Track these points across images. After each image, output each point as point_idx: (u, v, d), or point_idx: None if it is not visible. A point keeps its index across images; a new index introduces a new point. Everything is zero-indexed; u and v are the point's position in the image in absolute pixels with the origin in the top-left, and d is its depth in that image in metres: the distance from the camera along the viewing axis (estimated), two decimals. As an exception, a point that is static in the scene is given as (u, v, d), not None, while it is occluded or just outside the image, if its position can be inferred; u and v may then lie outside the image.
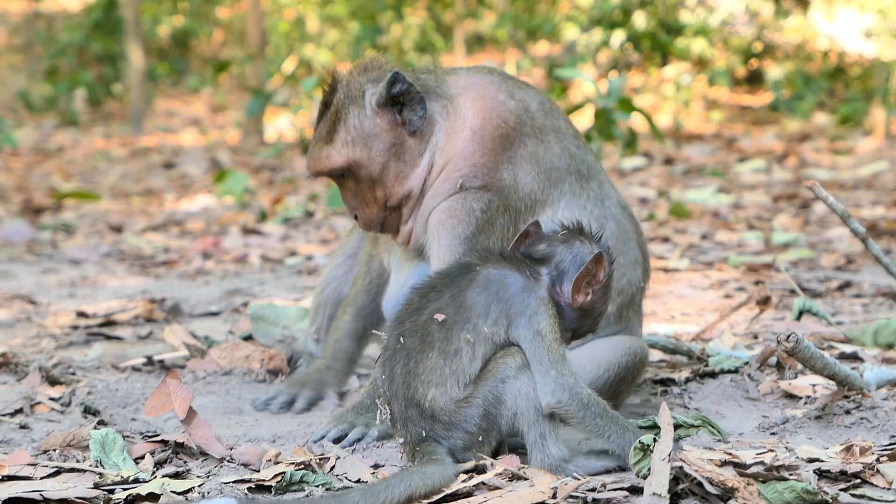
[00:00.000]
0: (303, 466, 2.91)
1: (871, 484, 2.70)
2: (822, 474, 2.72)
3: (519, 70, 15.82)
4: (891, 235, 6.95)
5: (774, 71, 14.91)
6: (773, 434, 3.16)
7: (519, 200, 3.31)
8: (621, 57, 15.25)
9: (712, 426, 3.09)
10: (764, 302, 4.30)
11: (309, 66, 17.64)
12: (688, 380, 3.66)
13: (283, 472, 2.82)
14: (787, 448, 2.92)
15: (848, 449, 2.84)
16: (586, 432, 2.85)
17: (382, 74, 3.34)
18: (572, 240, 2.96)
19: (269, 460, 2.97)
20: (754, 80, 15.40)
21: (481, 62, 17.10)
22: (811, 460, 2.81)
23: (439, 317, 2.84)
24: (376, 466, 2.96)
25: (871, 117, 12.61)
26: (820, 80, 14.49)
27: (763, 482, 2.61)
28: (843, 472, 2.72)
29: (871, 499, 2.61)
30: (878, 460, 2.80)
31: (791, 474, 2.67)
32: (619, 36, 15.00)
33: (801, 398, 3.47)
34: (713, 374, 3.70)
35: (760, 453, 2.83)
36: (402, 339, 2.88)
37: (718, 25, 15.23)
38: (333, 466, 2.95)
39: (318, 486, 2.79)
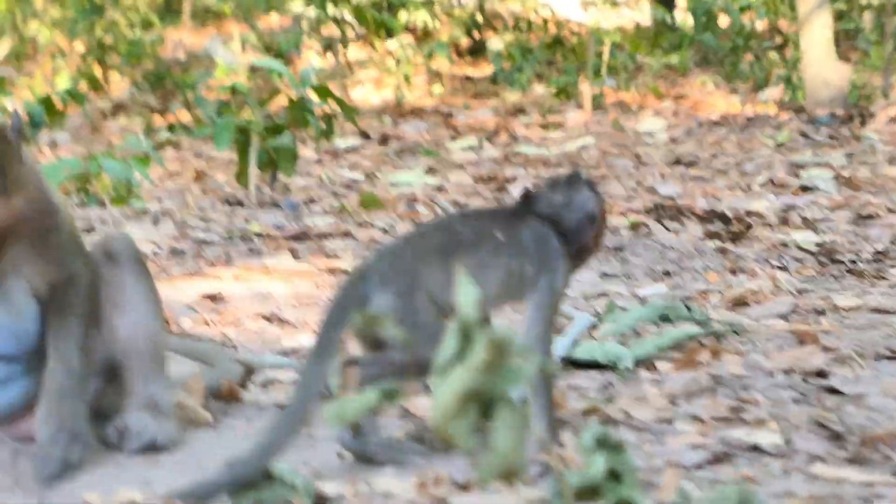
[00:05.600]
0: None
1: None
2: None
3: (245, 44, 15.70)
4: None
5: (495, 42, 15.10)
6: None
7: None
8: (347, 29, 15.24)
9: None
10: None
11: (34, 44, 17.21)
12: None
13: None
14: (367, 483, 2.98)
15: (423, 484, 2.91)
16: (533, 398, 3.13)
17: None
18: (567, 192, 3.34)
19: None
20: (478, 51, 15.56)
21: (209, 36, 16.93)
22: (385, 495, 2.87)
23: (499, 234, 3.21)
24: None
25: (581, 89, 12.86)
26: (538, 52, 14.72)
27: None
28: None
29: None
30: (450, 492, 2.88)
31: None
32: (343, 8, 14.99)
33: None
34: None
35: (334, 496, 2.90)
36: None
37: (442, -4, 15.35)
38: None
39: None
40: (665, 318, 4.33)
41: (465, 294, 1.82)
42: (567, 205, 3.33)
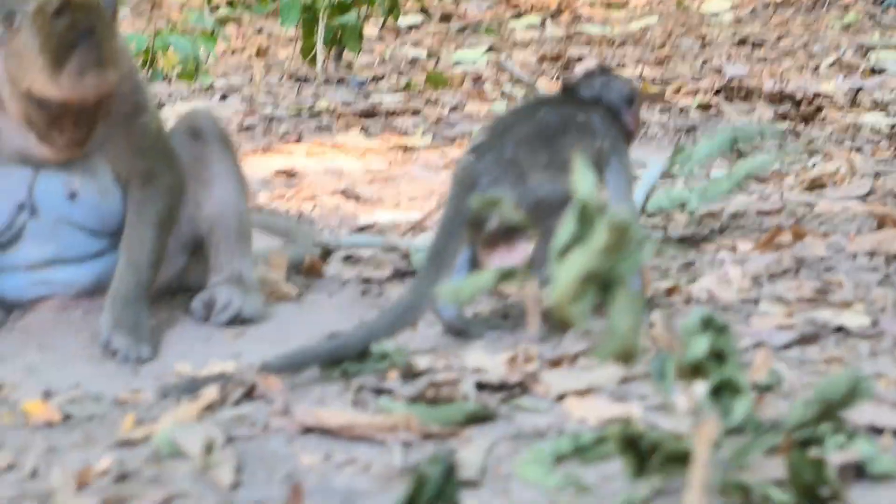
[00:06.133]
0: None
1: (532, 393, 2.80)
2: (482, 387, 2.81)
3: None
4: (644, 100, 7.01)
5: (557, -80, 14.86)
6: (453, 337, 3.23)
7: None
8: None
9: None
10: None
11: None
12: (388, 279, 3.73)
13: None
14: (458, 357, 3.00)
15: (513, 359, 2.94)
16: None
17: None
18: (603, 78, 3.50)
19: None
20: (538, -72, 15.33)
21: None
22: (476, 371, 2.90)
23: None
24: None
25: (647, -32, 12.66)
26: (600, -70, 14.49)
27: (433, 404, 2.70)
28: (503, 384, 2.81)
29: (527, 409, 2.71)
30: (540, 368, 2.91)
31: (452, 390, 2.76)
32: None
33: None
34: (415, 273, 3.76)
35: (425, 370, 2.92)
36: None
37: None
38: None
39: None
40: (736, 145, 4.30)
41: (583, 177, 1.82)
42: (606, 89, 3.48)
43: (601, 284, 1.81)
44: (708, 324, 2.17)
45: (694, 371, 2.14)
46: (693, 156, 4.28)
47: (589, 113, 3.41)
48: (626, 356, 1.83)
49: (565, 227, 1.83)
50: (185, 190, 3.46)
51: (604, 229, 1.76)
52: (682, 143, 4.37)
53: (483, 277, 1.89)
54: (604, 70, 3.60)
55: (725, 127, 4.44)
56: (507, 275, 1.88)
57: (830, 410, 1.98)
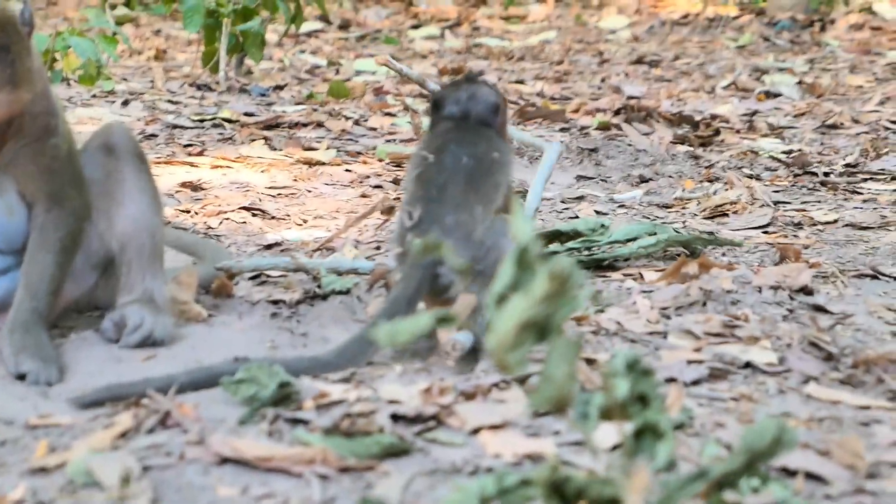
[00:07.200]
0: None
1: (447, 425, 2.81)
2: (397, 418, 2.81)
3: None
4: (545, 118, 7.07)
5: (457, -70, 14.93)
6: (369, 364, 3.23)
7: None
8: None
9: None
10: (388, 211, 4.39)
11: None
12: (299, 302, 3.72)
13: None
14: (371, 388, 3.00)
15: (428, 390, 2.94)
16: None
17: None
18: (469, 88, 3.52)
19: None
20: (438, -63, 15.39)
21: None
22: (391, 402, 2.90)
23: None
24: None
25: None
26: (500, -58, 14.59)
27: (349, 437, 2.69)
28: (419, 416, 2.82)
29: (443, 442, 2.72)
30: (455, 400, 2.91)
31: (368, 422, 2.76)
32: None
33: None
34: (325, 297, 3.76)
35: (339, 400, 2.91)
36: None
37: None
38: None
39: None
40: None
41: (521, 223, 1.83)
42: (472, 99, 3.52)
43: (538, 331, 1.82)
44: (632, 367, 2.20)
45: (618, 413, 2.16)
46: (612, 235, 4.27)
47: (483, 137, 3.46)
48: (562, 404, 1.84)
49: (503, 273, 1.84)
50: (91, 216, 3.42)
51: (544, 277, 1.77)
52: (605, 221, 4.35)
53: (420, 321, 1.89)
54: (469, 78, 3.61)
55: (643, 224, 4.44)
56: (444, 319, 1.89)
57: (756, 460, 2.01)
